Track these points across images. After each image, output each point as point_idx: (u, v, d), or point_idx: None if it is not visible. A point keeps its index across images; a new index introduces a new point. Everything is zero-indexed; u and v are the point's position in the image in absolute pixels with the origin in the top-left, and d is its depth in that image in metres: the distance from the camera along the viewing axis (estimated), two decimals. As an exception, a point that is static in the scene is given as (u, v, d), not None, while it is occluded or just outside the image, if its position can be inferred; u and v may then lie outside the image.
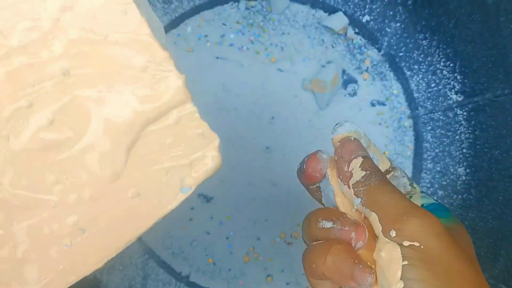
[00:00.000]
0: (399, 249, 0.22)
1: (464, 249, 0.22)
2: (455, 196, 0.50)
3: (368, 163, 0.25)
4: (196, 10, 0.50)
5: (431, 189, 0.51)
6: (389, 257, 0.22)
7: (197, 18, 0.50)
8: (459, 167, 0.50)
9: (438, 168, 0.50)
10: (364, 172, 0.24)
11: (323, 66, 0.50)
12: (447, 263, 0.21)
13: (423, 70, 0.51)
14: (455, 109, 0.50)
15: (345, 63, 0.51)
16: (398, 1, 0.50)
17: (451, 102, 0.50)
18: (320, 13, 0.51)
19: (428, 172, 0.51)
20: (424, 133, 0.51)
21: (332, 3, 0.51)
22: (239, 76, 0.50)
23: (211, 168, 0.26)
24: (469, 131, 0.49)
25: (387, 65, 0.51)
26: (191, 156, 0.26)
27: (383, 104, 0.51)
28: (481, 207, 0.49)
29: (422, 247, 0.21)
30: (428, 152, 0.51)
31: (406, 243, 0.22)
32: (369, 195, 0.24)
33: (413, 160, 0.51)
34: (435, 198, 0.26)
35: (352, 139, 0.26)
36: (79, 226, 0.25)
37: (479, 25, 0.48)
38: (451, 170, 0.50)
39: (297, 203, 0.50)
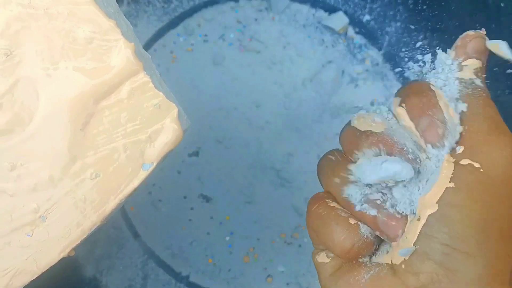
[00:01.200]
0: (452, 166, 0.19)
1: None
2: (455, 196, 0.50)
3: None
4: (196, 10, 0.50)
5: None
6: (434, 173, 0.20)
7: (197, 18, 0.50)
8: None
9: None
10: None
11: (323, 66, 0.50)
12: (501, 197, 0.19)
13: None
14: (456, 109, 0.50)
15: (345, 63, 0.51)
16: (399, 1, 0.50)
17: (451, 102, 0.50)
18: (320, 13, 0.51)
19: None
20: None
21: (332, 3, 0.51)
22: (239, 75, 0.50)
23: (171, 140, 0.25)
24: (469, 131, 0.49)
25: (388, 65, 0.51)
26: (149, 130, 0.24)
27: (382, 104, 0.51)
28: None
29: (481, 170, 0.19)
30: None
31: (465, 162, 0.19)
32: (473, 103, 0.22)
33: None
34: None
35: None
36: (39, 213, 0.24)
37: (480, 25, 0.47)
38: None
39: (297, 203, 0.50)
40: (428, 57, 0.30)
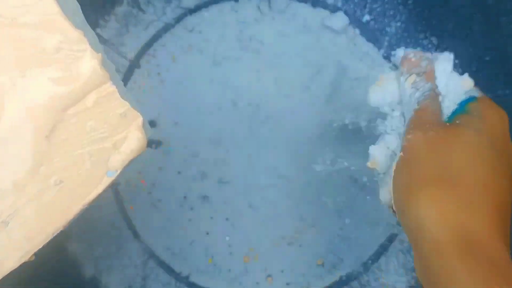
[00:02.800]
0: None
1: None
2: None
3: None
4: (196, 9, 0.50)
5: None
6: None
7: (197, 18, 0.50)
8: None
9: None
10: None
11: (323, 66, 0.50)
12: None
13: (424, 70, 0.51)
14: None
15: (345, 62, 0.51)
16: (399, 1, 0.50)
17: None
18: (321, 13, 0.51)
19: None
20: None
21: (333, 2, 0.51)
22: (239, 74, 0.50)
23: (135, 148, 0.25)
24: (469, 131, 0.49)
25: (388, 65, 0.51)
26: (114, 138, 0.25)
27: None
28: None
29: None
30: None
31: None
32: None
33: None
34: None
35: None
36: (1, 219, 0.24)
37: (479, 25, 0.48)
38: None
39: (297, 203, 0.50)
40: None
